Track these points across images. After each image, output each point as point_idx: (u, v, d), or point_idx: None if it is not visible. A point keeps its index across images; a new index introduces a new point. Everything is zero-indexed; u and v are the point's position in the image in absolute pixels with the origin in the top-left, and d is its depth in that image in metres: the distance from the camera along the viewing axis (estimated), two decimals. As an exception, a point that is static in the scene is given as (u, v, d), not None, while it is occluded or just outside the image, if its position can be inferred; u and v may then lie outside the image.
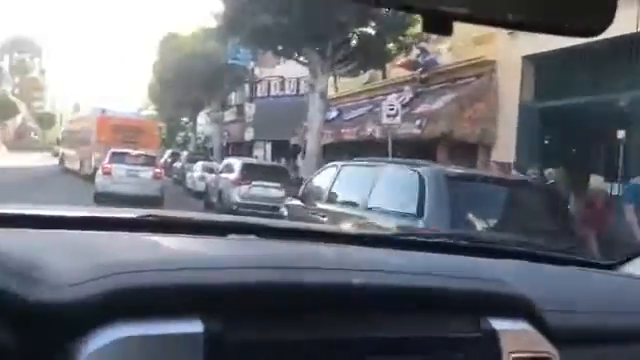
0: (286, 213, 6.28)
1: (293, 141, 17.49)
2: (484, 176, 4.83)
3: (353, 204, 4.77)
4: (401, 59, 13.39)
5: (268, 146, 21.91)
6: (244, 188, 11.73)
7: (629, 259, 1.20)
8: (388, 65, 14.53)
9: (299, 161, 17.44)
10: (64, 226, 0.87)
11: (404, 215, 3.76)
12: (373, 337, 0.71)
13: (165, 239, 0.85)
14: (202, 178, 16.77)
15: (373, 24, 12.35)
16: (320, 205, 5.38)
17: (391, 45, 12.78)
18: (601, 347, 0.90)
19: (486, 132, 10.73)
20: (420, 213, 3.67)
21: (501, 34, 9.71)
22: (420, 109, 11.70)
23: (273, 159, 20.19)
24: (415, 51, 12.84)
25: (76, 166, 20.80)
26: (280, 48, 13.26)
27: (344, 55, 12.76)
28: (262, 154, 21.68)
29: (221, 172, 13.65)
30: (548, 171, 8.78)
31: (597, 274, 1.17)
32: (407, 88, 12.72)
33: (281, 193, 10.77)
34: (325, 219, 4.87)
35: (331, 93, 14.68)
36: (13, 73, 63.11)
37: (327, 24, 11.35)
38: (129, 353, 0.59)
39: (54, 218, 0.93)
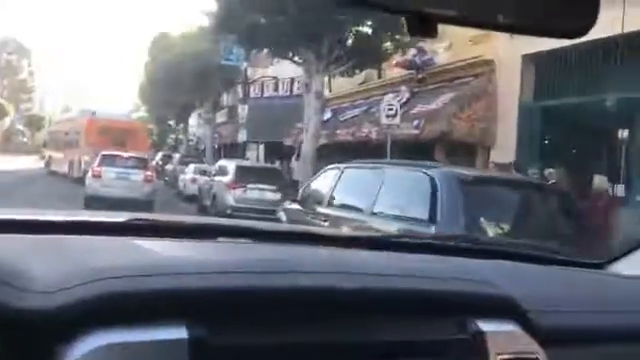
0: (284, 218, 6.03)
1: (287, 142, 17.26)
2: (498, 178, 4.61)
3: (357, 209, 4.52)
4: (397, 58, 13.21)
5: (261, 148, 21.70)
6: (239, 191, 11.46)
7: (616, 258, 1.18)
8: (384, 65, 14.35)
9: (293, 163, 17.21)
10: (49, 231, 0.85)
11: (414, 221, 3.51)
12: (359, 341, 0.70)
13: (153, 243, 0.82)
14: (194, 181, 16.50)
15: (369, 23, 12.14)
16: (321, 209, 5.13)
17: (388, 44, 12.57)
18: (588, 347, 0.89)
19: (485, 132, 10.56)
20: (433, 219, 3.43)
21: (500, 33, 9.54)
22: (417, 109, 11.52)
23: (266, 161, 19.96)
24: (412, 50, 12.65)
25: (64, 169, 20.45)
26: (274, 47, 13.01)
27: (340, 54, 12.54)
28: (255, 156, 21.46)
29: (214, 175, 13.38)
30: (548, 171, 8.64)
31: (584, 273, 1.16)
32: (404, 88, 12.53)
33: (277, 196, 10.54)
34: (326, 224, 4.63)
35: (325, 93, 14.46)
36: (1, 75, 62.38)
37: (322, 22, 11.12)
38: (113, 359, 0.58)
39: (39, 223, 0.90)
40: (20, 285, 0.61)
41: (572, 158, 9.51)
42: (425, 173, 3.74)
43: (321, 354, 0.68)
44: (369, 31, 12.34)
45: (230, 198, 11.47)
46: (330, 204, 5.01)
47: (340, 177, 4.99)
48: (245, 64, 19.97)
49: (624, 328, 0.94)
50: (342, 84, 16.34)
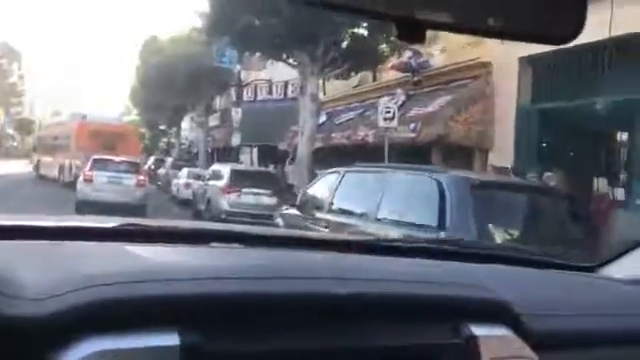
0: (282, 223, 5.86)
1: (281, 146, 17.10)
2: (506, 183, 4.47)
3: (359, 214, 4.36)
4: (393, 61, 13.11)
5: (254, 151, 21.55)
6: (233, 196, 11.27)
7: (608, 261, 1.18)
8: (379, 68, 14.24)
9: (287, 167, 17.05)
10: (40, 236, 0.84)
11: (421, 227, 3.36)
12: (353, 346, 0.70)
13: (145, 249, 0.82)
14: (188, 185, 16.29)
15: (365, 24, 12.02)
16: (320, 215, 4.96)
17: (384, 46, 12.46)
18: (581, 351, 0.89)
19: (483, 135, 10.48)
20: (442, 225, 3.27)
21: (497, 35, 9.45)
22: (413, 112, 11.41)
23: (260, 165, 19.81)
24: (407, 53, 12.55)
25: (54, 173, 20.15)
26: (269, 49, 12.84)
27: (335, 57, 12.40)
28: (248, 159, 21.30)
29: (209, 179, 13.19)
30: (547, 174, 8.56)
31: (577, 277, 1.16)
32: (399, 91, 12.42)
33: (272, 201, 10.38)
34: (327, 230, 4.46)
35: (320, 96, 14.33)
36: (-10, 78, 61.80)
37: (318, 24, 10.99)
38: None
39: (29, 228, 0.90)
40: (10, 292, 0.60)
41: (571, 161, 9.43)
42: (432, 177, 3.59)
43: (314, 359, 0.68)
44: (365, 33, 12.21)
45: (225, 203, 11.27)
46: (330, 210, 4.84)
47: (341, 182, 4.82)
48: (238, 67, 19.82)
49: (616, 331, 0.93)
50: (336, 87, 16.23)
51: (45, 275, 0.65)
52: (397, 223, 3.71)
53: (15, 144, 60.98)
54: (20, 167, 27.63)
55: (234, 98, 21.91)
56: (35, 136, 32.81)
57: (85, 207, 11.65)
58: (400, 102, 11.98)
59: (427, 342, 0.73)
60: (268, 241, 1.06)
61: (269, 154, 19.54)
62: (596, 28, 7.27)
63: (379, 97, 12.77)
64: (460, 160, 10.45)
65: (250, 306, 0.66)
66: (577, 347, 0.88)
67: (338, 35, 12.10)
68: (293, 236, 1.24)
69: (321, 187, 5.33)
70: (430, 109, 11.06)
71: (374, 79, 15.09)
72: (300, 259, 0.92)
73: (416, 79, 12.52)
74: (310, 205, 5.37)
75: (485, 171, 9.82)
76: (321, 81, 14.20)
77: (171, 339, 0.60)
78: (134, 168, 13.72)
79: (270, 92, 20.98)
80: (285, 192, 11.63)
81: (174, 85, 23.15)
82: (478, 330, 0.75)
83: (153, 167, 23.97)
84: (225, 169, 12.64)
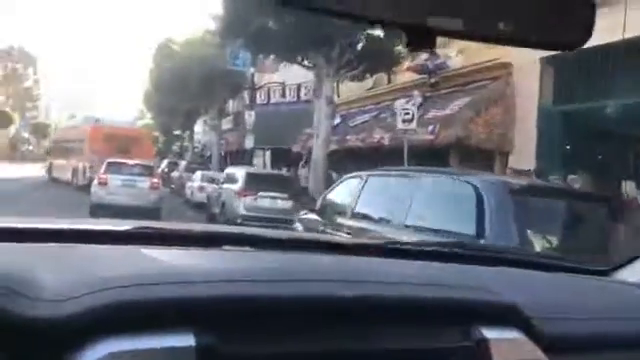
0: (301, 228, 5.68)
1: (295, 149, 16.97)
2: (547, 187, 4.25)
3: (385, 221, 4.16)
4: (409, 63, 12.92)
5: (267, 154, 21.46)
6: (249, 199, 11.11)
7: (622, 265, 1.17)
8: (394, 70, 14.06)
9: (300, 169, 16.91)
10: (57, 239, 0.86)
11: (456, 235, 3.15)
12: (365, 349, 0.70)
13: (160, 252, 0.82)
14: (202, 189, 16.22)
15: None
16: (343, 221, 4.77)
17: (400, 47, 12.27)
18: (593, 354, 0.88)
19: (503, 137, 10.24)
20: (480, 233, 3.07)
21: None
22: (431, 114, 11.21)
23: (273, 167, 19.70)
24: (423, 55, 12.35)
25: (67, 176, 20.20)
26: (283, 51, 12.71)
27: (350, 58, 12.23)
28: (261, 162, 21.21)
29: (223, 182, 13.07)
30: (571, 177, 8.31)
31: (589, 280, 1.16)
32: (416, 92, 12.21)
33: (288, 204, 10.22)
34: (349, 237, 4.28)
35: (334, 99, 14.17)
36: (7, 83, 62.60)
37: (333, 25, 10.83)
38: None
39: (47, 231, 0.91)
40: (32, 294, 0.62)
41: (596, 164, 9.16)
42: (468, 182, 3.38)
43: None
44: (381, 34, 12.03)
45: (240, 206, 11.12)
46: (353, 215, 4.65)
47: (364, 186, 4.62)
48: (252, 70, 19.76)
49: (628, 335, 0.93)
50: (350, 89, 16.07)
51: (63, 277, 0.67)
52: (427, 230, 3.51)
53: (31, 148, 61.71)
54: (35, 171, 27.83)
55: (247, 101, 21.88)
56: (49, 140, 33.08)
57: (99, 210, 11.65)
58: (417, 104, 11.80)
59: (438, 345, 0.73)
60: (279, 244, 1.06)
61: (282, 157, 19.44)
62: (628, 26, 7.03)
63: (394, 99, 12.58)
64: (479, 163, 10.20)
65: (263, 308, 0.67)
66: (589, 350, 0.87)
67: (354, 37, 11.93)
68: (304, 239, 1.25)
69: (343, 192, 5.13)
70: (448, 111, 10.85)
71: (389, 81, 14.90)
72: (312, 262, 0.92)
73: (433, 81, 12.33)
74: (331, 210, 5.18)
75: (505, 174, 9.57)
76: (335, 83, 14.06)
77: (187, 340, 0.61)
78: (148, 171, 13.72)
79: (283, 95, 20.88)
80: (301, 196, 11.47)
81: (187, 88, 23.18)
82: (489, 333, 0.74)
83: (167, 170, 23.98)
84: (240, 172, 12.51)
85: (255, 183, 11.47)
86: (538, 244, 3.21)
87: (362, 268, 0.91)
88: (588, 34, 0.72)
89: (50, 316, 0.60)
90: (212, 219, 12.91)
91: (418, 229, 3.60)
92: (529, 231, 3.15)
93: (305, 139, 15.82)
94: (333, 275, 0.79)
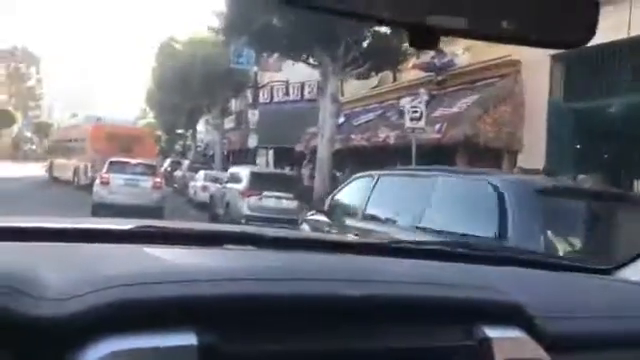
0: (307, 229, 5.51)
1: (298, 148, 16.80)
2: (573, 188, 4.05)
3: (397, 222, 3.99)
4: (415, 61, 12.73)
5: (270, 153, 21.30)
6: (253, 199, 10.93)
7: (624, 264, 1.16)
8: (399, 68, 13.88)
9: (303, 169, 16.75)
10: (59, 238, 0.86)
11: (476, 238, 2.97)
12: (368, 348, 0.71)
13: (162, 251, 0.82)
14: (205, 188, 16.07)
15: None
16: (352, 222, 4.60)
17: (406, 45, 12.08)
18: (596, 353, 0.88)
19: (512, 136, 10.04)
20: (502, 235, 2.89)
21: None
22: (438, 112, 11.02)
23: (276, 167, 19.55)
24: (430, 52, 12.16)
25: (68, 176, 20.05)
26: (288, 49, 12.53)
27: (356, 56, 12.05)
28: (264, 161, 21.06)
29: (227, 182, 12.90)
30: (581, 177, 8.12)
31: (592, 279, 1.15)
32: (422, 90, 12.03)
33: (293, 204, 10.04)
34: (359, 238, 4.10)
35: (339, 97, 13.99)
36: (9, 82, 62.62)
37: (338, 23, 10.65)
38: None
39: (49, 230, 0.92)
40: (35, 293, 0.62)
41: (607, 163, 8.96)
42: (488, 182, 3.20)
43: None
44: (387, 31, 11.84)
45: (244, 206, 10.95)
46: (363, 217, 4.47)
47: (375, 186, 4.44)
48: (255, 68, 19.59)
49: (631, 334, 0.92)
50: (354, 88, 15.89)
51: (66, 276, 0.67)
52: (443, 232, 3.33)
53: (33, 147, 61.72)
54: (37, 170, 27.75)
55: (250, 100, 21.72)
56: (50, 139, 32.94)
57: (101, 210, 11.54)
58: (424, 102, 11.62)
59: (440, 344, 0.74)
60: (281, 243, 1.06)
61: (285, 156, 19.29)
62: (638, 23, 6.85)
63: (399, 98, 12.41)
64: (487, 162, 10.02)
65: (265, 307, 0.67)
66: (591, 349, 0.87)
67: (360, 34, 11.75)
68: (306, 238, 1.26)
69: (352, 192, 4.95)
70: (456, 109, 10.66)
71: (394, 79, 14.72)
72: (314, 261, 0.92)
73: (440, 78, 12.15)
74: (339, 211, 5.00)
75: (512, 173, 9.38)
76: (339, 82, 13.88)
77: (189, 339, 0.61)
78: (150, 170, 13.59)
79: (287, 93, 20.73)
80: (305, 195, 11.30)
81: (190, 87, 23.05)
82: (491, 332, 0.74)
83: (169, 169, 23.86)
84: (244, 172, 12.33)
85: (259, 183, 11.29)
86: (561, 247, 3.03)
87: (365, 267, 0.91)
88: (591, 32, 0.72)
89: (53, 315, 0.60)
90: (215, 219, 12.75)
91: (433, 231, 3.42)
92: (555, 233, 2.97)
93: (308, 138, 15.65)
94: (336, 274, 0.79)
